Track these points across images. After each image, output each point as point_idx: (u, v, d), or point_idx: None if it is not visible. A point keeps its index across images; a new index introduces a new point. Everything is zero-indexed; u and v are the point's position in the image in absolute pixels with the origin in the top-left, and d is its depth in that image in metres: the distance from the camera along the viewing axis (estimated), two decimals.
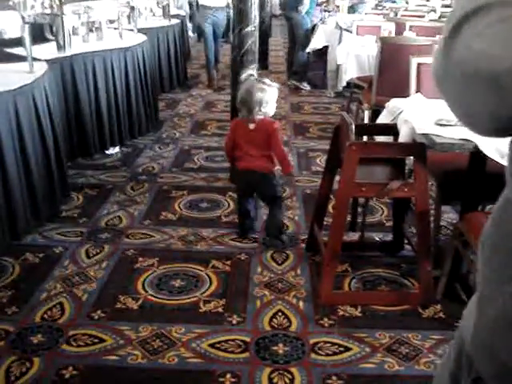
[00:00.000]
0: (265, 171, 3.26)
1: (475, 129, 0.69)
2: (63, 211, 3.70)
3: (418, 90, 3.46)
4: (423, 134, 2.54)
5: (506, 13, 0.60)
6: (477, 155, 2.49)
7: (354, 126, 2.71)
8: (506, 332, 0.70)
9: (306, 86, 7.77)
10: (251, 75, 3.28)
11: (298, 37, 7.69)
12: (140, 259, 3.14)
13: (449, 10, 8.69)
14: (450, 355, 0.88)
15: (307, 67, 7.93)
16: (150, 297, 2.80)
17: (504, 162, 2.05)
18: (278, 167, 3.36)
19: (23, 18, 3.89)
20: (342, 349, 2.45)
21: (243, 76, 3.32)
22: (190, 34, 11.29)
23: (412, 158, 2.72)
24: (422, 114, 2.79)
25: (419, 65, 3.52)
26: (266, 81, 3.28)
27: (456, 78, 0.65)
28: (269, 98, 3.20)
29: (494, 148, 2.34)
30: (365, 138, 3.97)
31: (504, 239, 0.74)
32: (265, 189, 3.32)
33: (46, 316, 2.60)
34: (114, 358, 2.35)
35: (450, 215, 3.72)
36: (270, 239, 3.39)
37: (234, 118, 4.10)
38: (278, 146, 3.25)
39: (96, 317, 2.62)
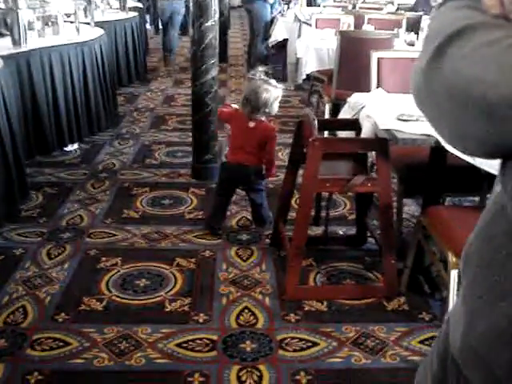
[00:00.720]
0: (257, 166, 3.33)
1: (460, 150, 0.68)
2: (22, 211, 3.63)
3: (378, 85, 3.49)
4: (385, 130, 2.56)
5: (492, 36, 0.60)
6: (437, 149, 2.53)
7: (316, 122, 2.72)
8: (498, 345, 0.70)
9: None
10: (259, 73, 3.24)
11: (257, 29, 7.69)
12: (103, 259, 3.10)
13: (405, 2, 8.79)
14: (432, 357, 0.89)
15: (267, 60, 7.92)
16: (114, 297, 2.76)
17: (464, 156, 2.07)
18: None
19: None
20: (309, 344, 2.47)
21: (252, 73, 3.29)
22: (148, 26, 11.17)
23: (374, 152, 2.75)
24: (383, 109, 2.82)
25: (379, 59, 3.54)
26: (272, 82, 3.27)
27: (442, 101, 0.65)
28: (274, 99, 3.22)
29: None
30: (326, 133, 4.01)
31: (495, 254, 0.71)
32: (255, 182, 3.37)
33: (8, 320, 2.55)
34: (79, 361, 2.31)
35: (411, 207, 3.77)
36: (257, 223, 3.51)
37: (195, 114, 4.09)
38: (272, 153, 3.35)
39: (60, 319, 2.57)
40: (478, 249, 0.77)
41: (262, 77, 3.24)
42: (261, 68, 3.35)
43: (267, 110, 3.23)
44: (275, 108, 3.27)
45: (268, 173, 3.39)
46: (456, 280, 2.28)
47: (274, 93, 3.22)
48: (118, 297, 2.77)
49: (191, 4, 3.96)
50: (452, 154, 2.41)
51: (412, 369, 2.32)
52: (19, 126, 3.90)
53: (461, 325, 0.78)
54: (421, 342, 2.49)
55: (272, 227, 3.34)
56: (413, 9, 7.93)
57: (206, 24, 3.85)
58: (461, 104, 0.61)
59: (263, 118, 3.29)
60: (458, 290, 2.37)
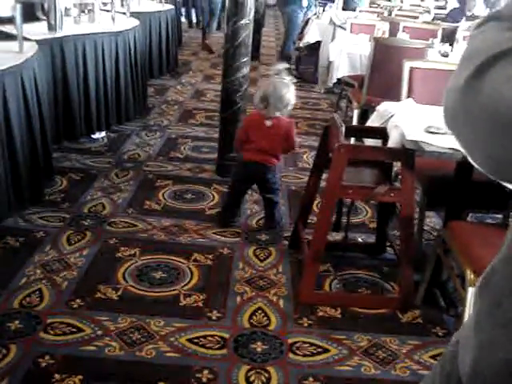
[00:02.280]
0: (273, 165, 3.34)
1: (488, 172, 0.66)
2: (46, 195, 3.67)
3: (409, 95, 3.47)
4: (412, 141, 2.55)
5: None
6: (464, 164, 2.51)
7: (343, 128, 2.71)
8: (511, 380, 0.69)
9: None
10: (280, 71, 3.24)
11: (289, 31, 7.68)
12: (122, 248, 3.12)
13: (442, 11, 8.71)
14: (434, 378, 0.88)
15: (290, 61, 7.92)
16: (130, 287, 2.78)
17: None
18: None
19: None
20: (319, 350, 2.46)
21: (275, 68, 3.30)
22: (183, 19, 11.22)
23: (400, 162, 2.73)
24: (412, 120, 2.80)
25: (412, 69, 3.51)
26: (289, 79, 3.27)
27: (478, 122, 0.63)
28: (291, 97, 3.23)
29: None
30: (353, 140, 3.99)
31: None
32: (271, 181, 3.37)
33: (24, 302, 2.58)
34: (91, 348, 2.33)
35: (433, 220, 3.74)
36: (267, 224, 3.51)
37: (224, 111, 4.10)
38: (293, 142, 3.35)
39: (75, 305, 2.60)
40: (502, 275, 0.74)
41: (280, 75, 3.24)
42: (280, 65, 3.33)
43: (285, 109, 3.24)
44: (291, 108, 3.29)
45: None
46: (473, 298, 2.25)
47: (291, 91, 3.23)
48: (133, 287, 2.79)
49: (227, 1, 3.96)
50: (478, 170, 2.40)
51: None
52: (49, 110, 3.94)
53: (472, 350, 0.76)
54: (432, 356, 2.47)
55: (285, 228, 3.33)
56: (446, 19, 7.86)
57: (241, 22, 3.85)
58: (498, 127, 0.60)
59: (278, 114, 3.26)
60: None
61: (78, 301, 2.63)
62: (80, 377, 2.17)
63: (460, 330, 0.85)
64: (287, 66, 3.40)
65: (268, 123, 3.26)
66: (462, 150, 0.69)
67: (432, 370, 0.92)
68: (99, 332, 2.43)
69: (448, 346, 0.88)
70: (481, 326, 0.76)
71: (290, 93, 3.21)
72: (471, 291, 2.25)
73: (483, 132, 0.62)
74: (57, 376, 2.16)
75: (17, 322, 2.44)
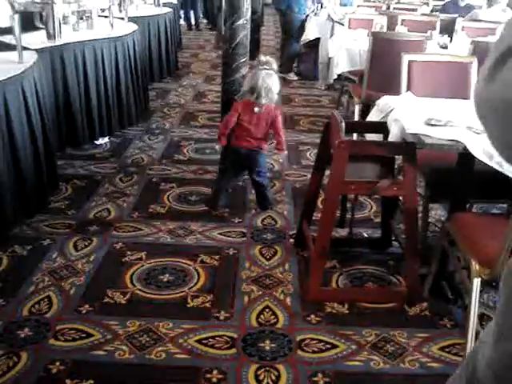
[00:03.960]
0: (261, 150, 3.63)
1: (505, 158, 0.67)
2: (51, 202, 3.69)
3: (408, 88, 3.47)
4: (413, 134, 2.55)
5: None
6: (465, 155, 2.50)
7: (344, 124, 2.71)
8: None
9: (292, 77, 7.76)
10: (264, 63, 3.51)
11: (292, 30, 7.65)
12: (128, 253, 3.14)
13: (441, 3, 8.69)
14: (462, 370, 0.87)
15: (295, 58, 7.92)
16: (137, 291, 2.80)
17: (492, 163, 2.04)
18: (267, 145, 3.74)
19: (13, 6, 3.85)
20: (328, 346, 2.47)
21: (259, 60, 3.50)
22: (182, 22, 11.25)
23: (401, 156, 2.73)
24: (412, 113, 2.80)
25: (410, 62, 3.51)
26: (274, 67, 3.56)
27: (496, 109, 0.63)
28: (277, 86, 3.50)
29: (483, 149, 2.35)
30: (355, 136, 4.00)
31: None
32: (260, 165, 3.67)
33: (33, 310, 2.60)
34: (101, 353, 2.35)
35: (438, 212, 3.74)
36: (262, 205, 3.75)
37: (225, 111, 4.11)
38: (279, 131, 3.62)
39: (84, 311, 2.62)
40: None
41: (264, 66, 3.49)
42: (262, 57, 3.60)
43: (270, 96, 3.46)
44: (276, 92, 3.51)
45: (279, 146, 3.67)
46: (478, 288, 2.26)
47: (275, 79, 3.49)
48: (141, 291, 2.80)
49: (223, 1, 3.97)
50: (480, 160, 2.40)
51: (431, 375, 2.31)
52: (51, 118, 3.97)
53: (490, 343, 0.76)
54: (441, 348, 2.47)
55: (290, 226, 3.34)
56: (442, 11, 7.84)
57: (238, 22, 3.85)
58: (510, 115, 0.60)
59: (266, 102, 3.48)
60: (480, 298, 2.35)
61: (86, 306, 2.65)
62: (91, 381, 2.19)
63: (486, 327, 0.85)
64: (266, 57, 3.65)
65: (257, 110, 3.50)
66: (488, 139, 0.69)
67: (461, 364, 0.92)
68: (108, 336, 2.45)
69: (477, 341, 0.88)
70: (497, 320, 0.75)
71: (275, 82, 3.48)
72: (477, 282, 2.26)
73: (501, 119, 0.63)
74: (68, 382, 2.18)
75: (27, 329, 2.46)
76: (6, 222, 3.23)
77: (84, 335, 2.45)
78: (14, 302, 2.66)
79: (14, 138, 3.22)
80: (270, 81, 3.43)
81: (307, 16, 7.81)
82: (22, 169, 3.31)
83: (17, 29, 3.51)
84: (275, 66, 3.60)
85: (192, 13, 12.20)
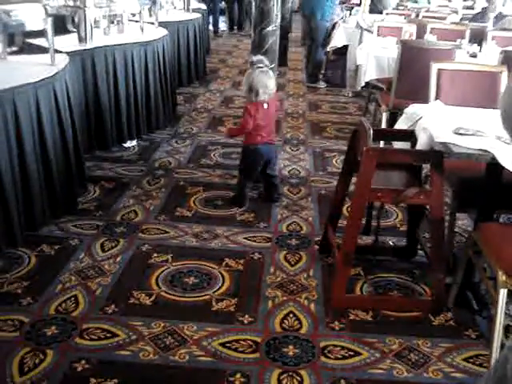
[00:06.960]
0: (275, 142, 4.02)
1: None
2: (80, 203, 3.74)
3: (437, 97, 3.45)
4: (441, 143, 2.54)
5: None
6: (494, 165, 2.49)
7: (371, 131, 2.71)
8: None
9: (322, 85, 7.76)
10: (257, 62, 3.70)
11: (317, 38, 7.65)
12: (154, 255, 3.17)
13: (471, 12, 8.63)
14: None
15: (322, 66, 7.92)
16: (163, 293, 2.82)
17: None
18: None
19: (46, 10, 3.91)
20: (351, 353, 2.47)
21: (254, 60, 3.74)
22: (210, 27, 11.34)
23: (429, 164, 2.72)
24: (440, 122, 2.79)
25: (439, 71, 3.50)
26: (266, 63, 3.75)
27: None
28: (273, 82, 3.72)
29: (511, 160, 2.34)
30: (382, 143, 3.99)
31: None
32: (276, 157, 4.04)
33: (60, 308, 2.64)
34: (126, 353, 2.38)
35: (464, 222, 3.71)
36: (274, 197, 3.96)
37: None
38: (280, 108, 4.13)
39: (109, 311, 2.65)
40: None
41: (258, 65, 3.67)
42: (254, 57, 3.80)
43: (271, 92, 3.69)
44: (272, 87, 3.73)
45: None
46: (505, 299, 2.24)
47: (272, 76, 3.71)
48: (166, 293, 2.83)
49: (253, 7, 4.00)
50: (508, 170, 2.38)
51: None
52: (81, 120, 4.03)
53: None
54: (465, 359, 2.45)
55: (316, 232, 3.34)
56: (472, 20, 7.78)
57: (268, 29, 3.90)
58: None
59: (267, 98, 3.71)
60: (506, 309, 2.33)
61: (112, 306, 2.68)
62: (115, 380, 2.21)
63: None
64: (260, 56, 3.85)
65: (265, 105, 3.73)
66: None
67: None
68: (133, 337, 2.48)
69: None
70: None
71: (271, 79, 3.70)
72: (503, 292, 2.24)
73: None
74: (92, 380, 2.21)
75: (53, 327, 2.50)
76: (34, 222, 3.29)
77: (109, 335, 2.48)
78: (42, 300, 2.70)
79: (44, 139, 3.28)
80: (264, 78, 3.63)
81: (335, 23, 7.82)
82: (51, 169, 3.37)
83: (49, 32, 3.58)
84: (267, 62, 3.78)
85: (221, 19, 12.40)
